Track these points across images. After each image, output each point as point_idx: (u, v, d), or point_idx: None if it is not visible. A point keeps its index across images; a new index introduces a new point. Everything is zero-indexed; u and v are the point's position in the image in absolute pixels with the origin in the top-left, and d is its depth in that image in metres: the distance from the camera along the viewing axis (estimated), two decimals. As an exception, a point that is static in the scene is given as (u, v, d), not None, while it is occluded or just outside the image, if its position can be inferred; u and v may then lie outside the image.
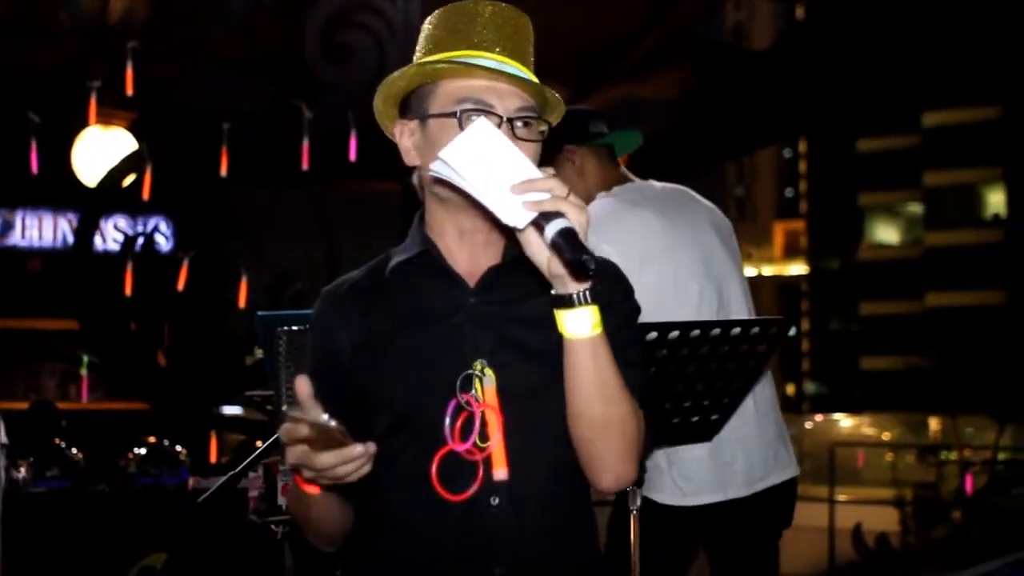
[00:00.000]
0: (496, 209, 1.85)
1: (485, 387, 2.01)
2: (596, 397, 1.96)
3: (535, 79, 2.04)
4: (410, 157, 2.09)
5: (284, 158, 8.62)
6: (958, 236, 39.51)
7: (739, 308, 3.63)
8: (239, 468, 3.09)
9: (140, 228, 10.67)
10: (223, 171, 8.83)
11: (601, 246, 3.30)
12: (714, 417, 3.33)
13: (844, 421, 19.47)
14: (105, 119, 8.55)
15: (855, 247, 44.09)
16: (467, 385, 2.00)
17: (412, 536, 2.06)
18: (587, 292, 1.89)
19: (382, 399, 2.05)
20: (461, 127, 1.97)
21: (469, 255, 2.11)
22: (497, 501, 2.02)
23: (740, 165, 43.70)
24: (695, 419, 3.29)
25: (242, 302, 9.32)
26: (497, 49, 2.04)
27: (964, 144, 38.16)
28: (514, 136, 2.00)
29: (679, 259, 3.53)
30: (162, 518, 5.64)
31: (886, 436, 18.43)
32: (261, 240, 10.64)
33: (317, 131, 8.66)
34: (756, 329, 3.15)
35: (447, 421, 1.99)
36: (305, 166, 8.64)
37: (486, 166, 1.85)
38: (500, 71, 2.00)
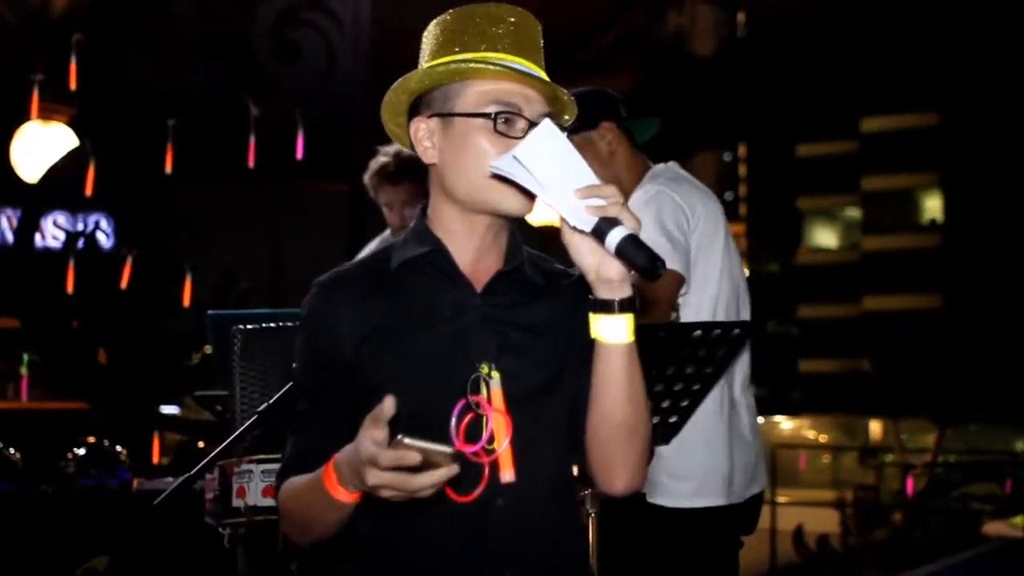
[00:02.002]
0: (563, 210, 1.88)
1: (492, 390, 2.02)
2: (627, 402, 1.99)
3: (551, 83, 2.07)
4: (428, 155, 2.09)
5: (230, 156, 8.55)
6: (896, 241, 39.93)
7: (745, 307, 3.65)
8: (196, 469, 3.04)
9: (82, 225, 10.55)
10: (168, 168, 8.74)
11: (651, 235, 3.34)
12: (672, 420, 3.33)
13: (785, 423, 19.58)
14: (46, 114, 8.41)
15: (794, 251, 44.44)
16: (475, 387, 2.01)
17: (419, 536, 2.06)
18: (628, 300, 1.92)
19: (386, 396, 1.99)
20: (495, 129, 2.01)
21: (475, 257, 2.12)
22: (502, 503, 2.03)
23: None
24: (654, 421, 3.29)
25: (186, 301, 9.21)
26: (523, 54, 2.07)
27: (902, 150, 38.55)
28: None
29: (715, 252, 3.56)
30: (104, 520, 5.57)
31: (826, 439, 18.59)
32: (206, 238, 10.54)
33: (264, 129, 8.58)
34: (717, 332, 3.15)
35: (453, 422, 1.99)
36: (251, 164, 8.57)
37: (552, 168, 1.88)
38: (530, 75, 2.03)
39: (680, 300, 3.51)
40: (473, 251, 2.12)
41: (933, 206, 40.26)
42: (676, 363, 3.15)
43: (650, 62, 10.58)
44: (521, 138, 1.97)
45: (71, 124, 8.37)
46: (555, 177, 1.89)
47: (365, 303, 2.07)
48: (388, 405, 1.76)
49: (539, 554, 2.06)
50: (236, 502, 3.18)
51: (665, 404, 3.26)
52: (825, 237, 45.80)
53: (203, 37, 9.02)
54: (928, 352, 21.72)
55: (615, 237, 1.85)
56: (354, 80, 9.73)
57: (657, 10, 10.62)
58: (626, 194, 3.63)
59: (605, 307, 1.93)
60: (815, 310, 42.35)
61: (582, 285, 2.05)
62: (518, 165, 1.89)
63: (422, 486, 1.77)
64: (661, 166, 3.69)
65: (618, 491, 2.05)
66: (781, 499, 12.18)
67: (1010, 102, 26.51)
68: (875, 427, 18.38)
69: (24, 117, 8.31)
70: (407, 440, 1.74)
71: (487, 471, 2.01)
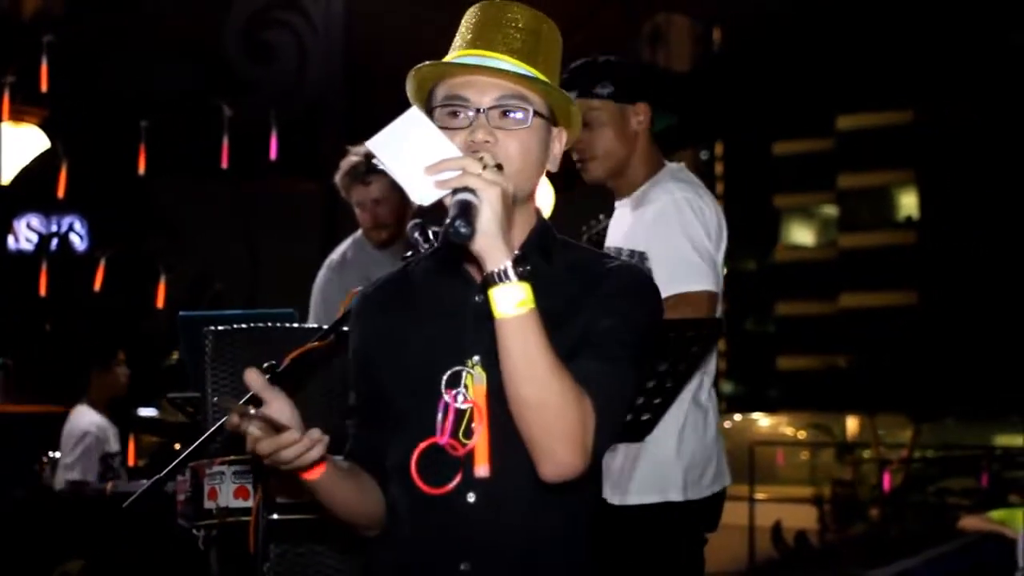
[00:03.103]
0: (407, 187, 1.93)
1: (475, 384, 2.04)
2: (524, 378, 1.95)
3: (530, 71, 2.09)
4: None
5: (204, 156, 8.52)
6: (872, 238, 40.09)
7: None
8: (165, 471, 3.01)
9: (55, 227, 10.49)
10: (141, 169, 8.70)
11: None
12: (645, 417, 3.32)
13: (762, 420, 19.66)
14: (17, 115, 8.35)
15: (771, 248, 44.56)
16: (455, 381, 2.04)
17: (398, 526, 2.13)
18: (507, 270, 1.91)
19: (391, 392, 2.12)
20: (441, 123, 2.06)
21: None
22: (473, 498, 2.05)
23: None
24: (627, 418, 3.28)
25: (160, 302, 9.17)
26: (500, 48, 2.11)
27: (877, 147, 38.69)
28: (490, 126, 2.06)
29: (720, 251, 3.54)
30: (79, 523, 5.54)
31: (803, 435, 18.64)
32: (180, 239, 10.50)
33: (237, 129, 8.55)
34: (691, 332, 3.15)
35: (439, 416, 2.03)
36: (225, 164, 8.53)
37: (411, 151, 1.93)
38: (476, 66, 2.08)
39: None
40: None
41: (909, 203, 40.44)
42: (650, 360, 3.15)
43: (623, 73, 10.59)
44: (465, 127, 2.06)
45: (43, 126, 8.31)
46: (413, 160, 1.93)
47: (382, 307, 2.18)
48: (251, 376, 1.93)
49: (510, 551, 2.06)
50: (208, 504, 3.16)
51: (639, 401, 3.26)
52: (802, 235, 45.95)
53: (175, 38, 8.97)
54: (904, 348, 21.80)
55: (451, 202, 1.90)
56: (327, 80, 9.71)
57: (630, 18, 10.60)
58: (635, 177, 3.59)
59: (487, 280, 1.94)
60: (792, 307, 42.49)
61: (604, 277, 2.09)
62: (385, 153, 1.95)
63: (264, 451, 1.92)
64: (676, 166, 3.63)
65: (548, 476, 1.99)
66: (759, 496, 12.19)
67: (985, 99, 26.65)
68: (852, 423, 18.45)
69: (-6, 119, 8.26)
70: (221, 402, 1.98)
71: (463, 465, 2.03)
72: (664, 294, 2.69)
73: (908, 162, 37.83)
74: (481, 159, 1.94)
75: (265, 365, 2.63)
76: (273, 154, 8.69)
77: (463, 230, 1.86)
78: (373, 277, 2.37)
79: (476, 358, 2.06)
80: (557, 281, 2.10)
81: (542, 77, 2.11)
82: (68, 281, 9.29)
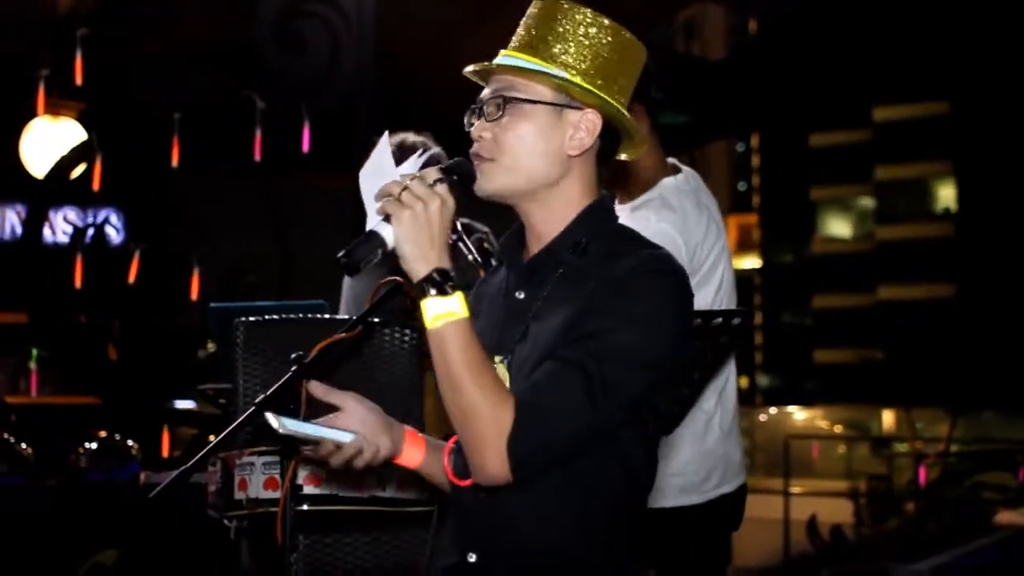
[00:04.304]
0: (369, 216, 2.13)
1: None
2: (444, 387, 2.03)
3: (527, 62, 2.15)
4: None
5: (236, 149, 8.55)
6: (909, 230, 39.79)
7: (730, 298, 3.57)
8: (192, 461, 3.02)
9: (90, 220, 10.53)
10: (174, 162, 8.74)
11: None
12: (673, 410, 3.31)
13: (798, 414, 19.54)
14: (53, 109, 8.41)
15: (807, 241, 44.32)
16: None
17: (448, 516, 2.26)
18: (425, 285, 2.01)
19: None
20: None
21: (529, 245, 2.24)
22: (486, 493, 2.10)
23: (692, 159, 43.74)
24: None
25: (194, 295, 9.21)
26: (513, 46, 2.19)
27: (915, 139, 38.42)
28: (487, 121, 2.16)
29: (712, 283, 3.49)
30: (113, 514, 5.57)
31: (839, 428, 18.54)
32: (213, 232, 10.53)
33: (270, 122, 8.58)
34: (718, 320, 3.13)
35: None
36: (258, 157, 8.57)
37: (377, 180, 2.10)
38: (477, 70, 2.20)
39: None
40: (530, 243, 2.24)
41: (947, 195, 40.11)
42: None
43: (657, 60, 10.53)
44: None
45: (78, 119, 8.36)
46: (372, 190, 2.14)
47: (477, 297, 2.31)
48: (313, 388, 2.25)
49: (515, 544, 2.10)
50: (238, 494, 3.17)
51: (667, 393, 3.24)
52: (839, 227, 45.65)
53: (208, 31, 8.99)
54: (942, 341, 21.68)
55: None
56: (359, 72, 9.71)
57: (663, 9, 10.54)
58: (632, 187, 3.55)
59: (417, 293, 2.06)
60: (829, 300, 42.24)
61: (618, 269, 2.08)
62: (364, 184, 2.18)
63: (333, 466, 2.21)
64: (675, 180, 3.57)
65: (476, 479, 2.06)
66: (795, 489, 12.16)
67: (1023, 90, 26.38)
68: (888, 417, 18.34)
69: (32, 113, 8.31)
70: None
71: None
72: None
73: (946, 153, 37.51)
74: (414, 178, 2.04)
75: (293, 356, 2.63)
76: (305, 146, 8.71)
77: (341, 260, 2.01)
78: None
79: (504, 356, 2.13)
80: (584, 276, 2.11)
81: (538, 66, 2.14)
82: (103, 273, 9.33)
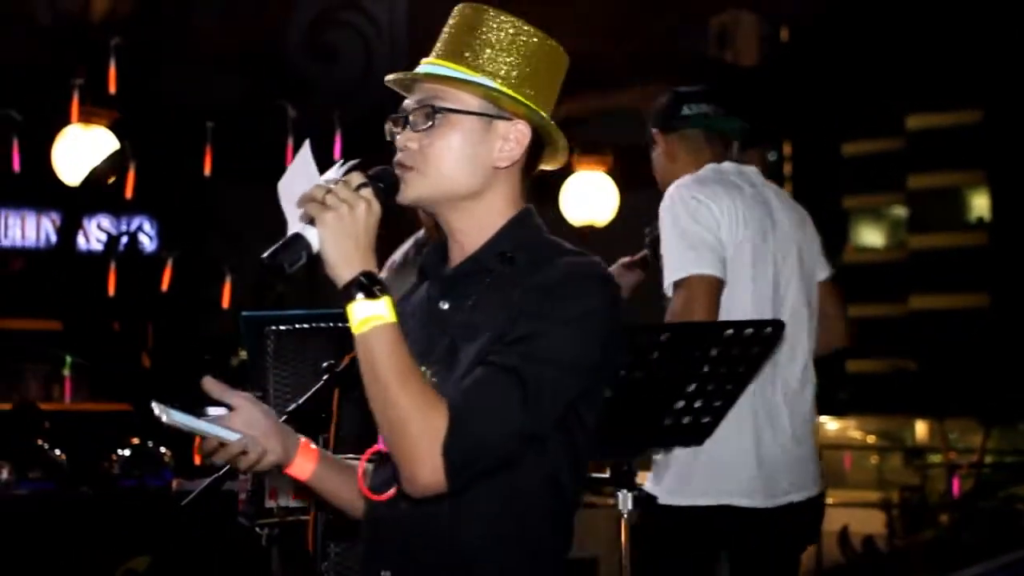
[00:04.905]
0: (290, 221, 2.06)
1: None
2: (371, 395, 1.97)
3: (450, 69, 2.13)
4: None
5: (269, 157, 8.56)
6: (942, 239, 39.54)
7: (797, 312, 3.61)
8: (224, 469, 3.03)
9: (123, 228, 10.58)
10: (207, 170, 8.77)
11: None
12: (705, 420, 3.30)
13: (830, 424, 19.42)
14: (87, 117, 8.44)
15: (839, 250, 44.13)
16: None
17: (363, 531, 2.20)
18: (351, 289, 1.98)
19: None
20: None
21: (451, 255, 2.22)
22: (405, 506, 2.05)
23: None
24: (686, 421, 3.27)
25: (226, 303, 9.24)
26: (437, 53, 2.17)
27: (948, 147, 38.18)
28: (411, 131, 2.16)
29: (744, 245, 3.55)
30: (145, 521, 5.60)
31: (871, 439, 18.41)
32: (245, 240, 10.56)
33: (302, 131, 8.59)
34: (749, 331, 3.12)
35: None
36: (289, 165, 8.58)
37: (297, 188, 2.04)
38: (399, 79, 2.20)
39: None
40: (451, 251, 2.22)
41: (980, 204, 39.83)
42: (709, 362, 3.13)
43: (686, 74, 10.52)
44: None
45: (111, 128, 8.40)
46: (294, 197, 2.04)
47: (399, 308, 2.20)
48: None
49: (428, 563, 2.04)
50: (268, 503, 3.19)
51: (698, 404, 3.23)
52: (871, 236, 45.41)
53: (240, 40, 9.02)
54: (975, 351, 21.49)
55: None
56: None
57: (692, 17, 10.52)
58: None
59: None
60: (861, 309, 41.96)
61: (544, 274, 2.06)
62: (283, 194, 2.11)
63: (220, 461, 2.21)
64: (710, 167, 3.70)
65: (409, 493, 2.00)
66: (827, 500, 12.06)
67: (1058, 98, 26.19)
68: (921, 427, 18.19)
69: (65, 121, 8.35)
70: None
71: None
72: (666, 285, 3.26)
73: (979, 162, 37.26)
74: (338, 182, 2.01)
75: (324, 364, 2.64)
76: (337, 155, 8.73)
77: (266, 262, 1.99)
78: None
79: (428, 368, 2.08)
80: (511, 286, 2.07)
81: (467, 75, 2.11)
82: (136, 281, 9.38)
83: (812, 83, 11.71)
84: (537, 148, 2.20)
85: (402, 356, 1.95)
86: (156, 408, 2.11)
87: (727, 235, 3.53)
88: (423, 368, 2.05)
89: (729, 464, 3.50)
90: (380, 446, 2.09)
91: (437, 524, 2.03)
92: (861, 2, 10.81)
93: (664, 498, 3.54)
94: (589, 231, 9.39)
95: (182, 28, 8.97)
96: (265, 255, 1.97)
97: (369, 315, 1.95)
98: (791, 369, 3.68)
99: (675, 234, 3.51)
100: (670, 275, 3.51)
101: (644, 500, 3.50)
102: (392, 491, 2.06)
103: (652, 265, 4.42)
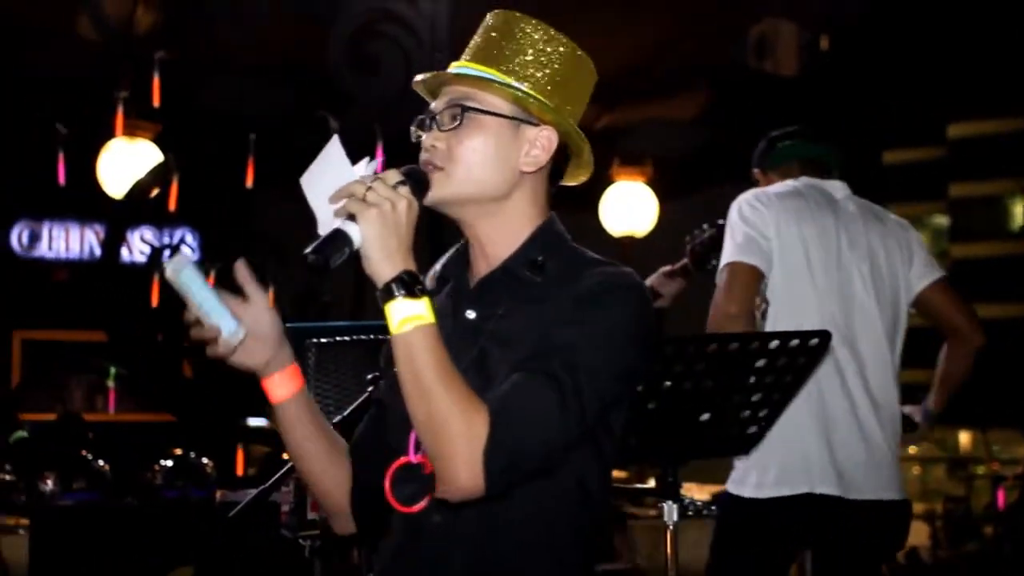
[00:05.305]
0: (319, 220, 2.00)
1: None
2: (410, 396, 1.94)
3: (484, 72, 2.11)
4: None
5: (311, 169, 8.61)
6: (984, 248, 39.19)
7: (869, 316, 3.71)
8: (270, 482, 3.05)
9: (167, 240, 10.66)
10: (249, 182, 8.81)
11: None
12: (752, 430, 3.30)
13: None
14: (131, 130, 8.51)
15: (881, 259, 43.93)
16: None
17: (387, 543, 2.16)
18: (393, 287, 1.93)
19: (387, 405, 2.24)
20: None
21: (475, 265, 2.20)
22: (438, 519, 2.04)
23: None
24: (733, 431, 3.26)
25: (269, 314, 9.27)
26: (467, 56, 2.16)
27: (990, 156, 37.87)
28: (439, 131, 2.12)
29: (796, 245, 3.74)
30: (189, 531, 5.62)
31: (914, 450, 18.27)
32: (287, 252, 10.61)
33: (343, 142, 8.61)
34: (795, 342, 3.12)
35: (413, 434, 2.05)
36: (331, 177, 8.60)
37: (326, 184, 1.99)
38: (429, 78, 2.18)
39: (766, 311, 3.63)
40: (477, 260, 2.20)
41: (1022, 213, 39.53)
42: (755, 373, 3.13)
43: (726, 82, 10.48)
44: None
45: (155, 140, 8.46)
46: (326, 192, 1.98)
47: None
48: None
49: (458, 565, 2.03)
50: (311, 515, 3.20)
51: (745, 415, 3.23)
52: (912, 245, 45.20)
53: (282, 52, 9.07)
54: (1018, 361, 21.28)
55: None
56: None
57: (732, 29, 10.48)
58: None
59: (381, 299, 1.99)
60: (903, 319, 41.82)
61: (580, 284, 2.05)
62: (309, 190, 2.04)
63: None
64: (782, 183, 3.99)
65: (445, 496, 1.97)
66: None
67: (1102, 105, 25.93)
68: (965, 438, 18.05)
69: (109, 134, 8.42)
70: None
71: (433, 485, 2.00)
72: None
73: (1022, 170, 36.95)
74: (376, 179, 1.96)
75: (369, 377, 2.65)
76: (379, 168, 8.74)
77: (310, 258, 1.92)
78: None
79: None
80: (542, 295, 2.07)
81: (498, 77, 2.10)
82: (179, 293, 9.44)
83: (853, 92, 11.66)
84: (563, 156, 2.19)
85: (443, 357, 1.93)
86: (170, 262, 2.08)
87: (774, 233, 3.70)
88: None
89: (807, 457, 3.61)
90: (410, 457, 2.07)
91: (469, 534, 2.02)
92: (902, 11, 10.74)
93: (748, 492, 3.65)
94: (629, 241, 9.41)
95: (224, 41, 9.01)
96: (308, 250, 1.91)
97: (410, 314, 1.93)
98: (871, 373, 3.80)
99: (728, 233, 3.78)
100: (720, 264, 3.81)
101: (725, 500, 3.75)
102: (423, 502, 2.05)
103: (693, 274, 4.49)
